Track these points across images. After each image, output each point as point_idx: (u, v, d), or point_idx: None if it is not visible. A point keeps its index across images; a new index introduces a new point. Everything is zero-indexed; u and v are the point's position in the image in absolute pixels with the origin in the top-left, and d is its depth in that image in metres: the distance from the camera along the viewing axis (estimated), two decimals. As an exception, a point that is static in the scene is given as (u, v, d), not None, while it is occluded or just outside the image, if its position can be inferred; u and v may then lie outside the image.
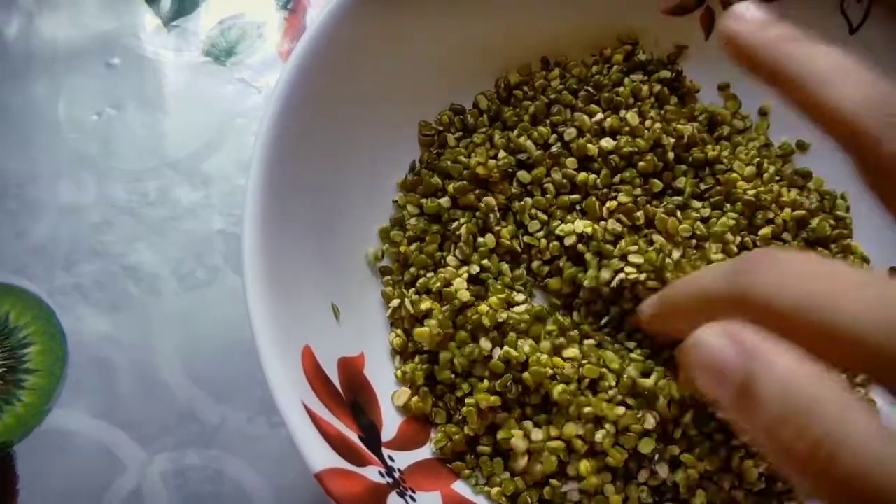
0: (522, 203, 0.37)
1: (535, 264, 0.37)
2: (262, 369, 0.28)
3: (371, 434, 0.32)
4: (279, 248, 0.31)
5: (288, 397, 0.28)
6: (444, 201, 0.37)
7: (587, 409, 0.32)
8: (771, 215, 0.36)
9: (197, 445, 0.37)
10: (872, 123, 0.21)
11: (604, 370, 0.33)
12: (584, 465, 0.32)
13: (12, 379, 0.39)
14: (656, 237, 0.36)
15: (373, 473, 0.30)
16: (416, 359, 0.35)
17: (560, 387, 0.33)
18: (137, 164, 0.43)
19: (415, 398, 0.34)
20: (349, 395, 0.32)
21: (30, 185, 0.43)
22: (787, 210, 0.37)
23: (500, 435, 0.33)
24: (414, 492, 0.31)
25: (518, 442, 0.32)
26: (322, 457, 0.28)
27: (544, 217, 0.37)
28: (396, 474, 0.31)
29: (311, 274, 0.33)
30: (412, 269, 0.36)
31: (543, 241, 0.37)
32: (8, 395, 0.39)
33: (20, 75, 0.45)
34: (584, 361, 0.34)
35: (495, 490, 0.33)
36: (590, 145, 0.37)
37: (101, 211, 0.42)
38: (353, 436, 0.31)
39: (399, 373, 0.35)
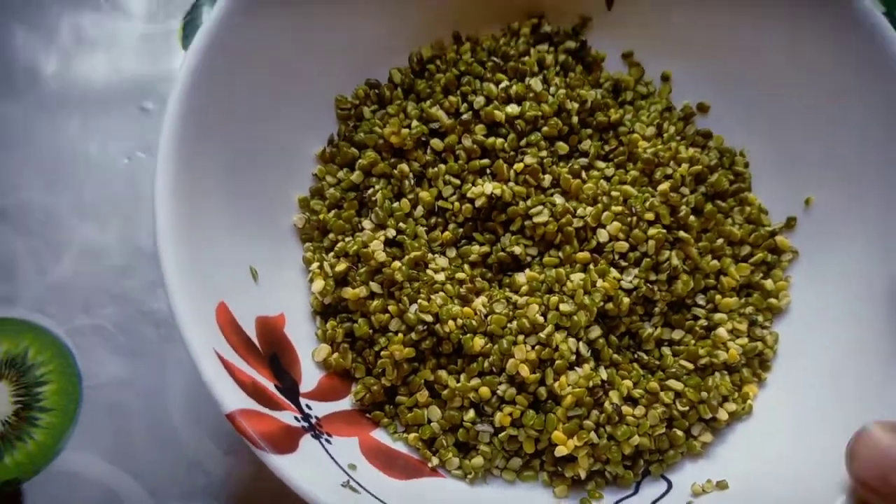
0: (436, 169, 0.39)
1: (451, 227, 0.39)
2: (176, 324, 0.30)
3: (288, 385, 0.33)
4: (193, 215, 0.33)
5: (200, 345, 0.30)
6: (358, 173, 0.39)
7: (494, 357, 0.34)
8: (669, 171, 0.39)
9: (203, 497, 0.38)
10: None
11: (510, 322, 0.35)
12: (500, 415, 0.34)
13: (26, 416, 0.39)
14: (558, 197, 0.38)
15: (287, 417, 0.31)
16: (337, 318, 0.37)
17: (470, 337, 0.35)
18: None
19: (335, 355, 0.36)
20: (267, 350, 0.34)
21: (54, 222, 0.42)
22: (685, 166, 0.39)
23: (415, 380, 0.35)
24: (330, 436, 0.33)
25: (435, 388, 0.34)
26: (234, 399, 0.29)
27: (457, 182, 0.39)
28: (313, 420, 0.33)
29: (227, 240, 0.35)
30: (331, 235, 0.38)
31: (457, 204, 0.38)
32: (21, 432, 0.39)
33: (54, 112, 0.45)
34: (493, 311, 0.35)
35: (412, 436, 0.35)
36: (497, 112, 0.39)
37: (123, 254, 0.42)
38: (269, 385, 0.32)
39: (319, 332, 0.37)
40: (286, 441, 0.30)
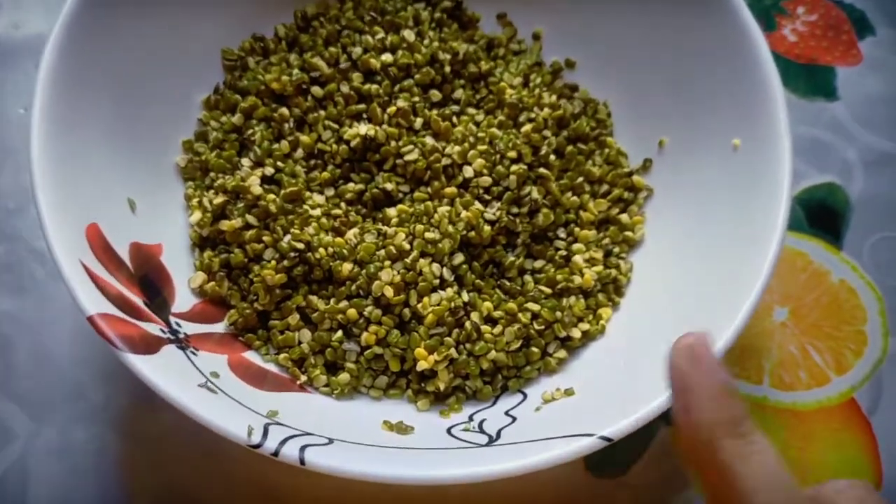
0: (316, 115, 0.41)
1: (329, 168, 0.41)
2: (43, 234, 0.31)
3: (159, 304, 0.35)
4: (70, 144, 0.35)
5: (65, 253, 0.31)
6: (239, 115, 0.41)
7: (361, 281, 0.36)
8: (533, 115, 0.41)
9: (85, 421, 0.39)
10: None
11: (378, 250, 0.37)
12: (366, 335, 0.36)
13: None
14: (429, 138, 0.40)
15: (153, 328, 0.33)
16: (215, 249, 0.38)
17: (339, 263, 0.37)
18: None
19: (211, 283, 0.38)
20: (139, 272, 0.35)
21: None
22: (547, 110, 0.42)
23: (287, 305, 0.37)
24: (197, 350, 0.34)
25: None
26: (95, 303, 0.31)
27: (336, 126, 0.41)
28: (181, 335, 0.34)
29: (107, 173, 0.37)
30: (212, 174, 0.40)
31: (335, 146, 0.41)
32: None
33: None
34: (363, 241, 0.38)
35: (282, 356, 0.36)
36: (372, 60, 0.41)
37: (15, 197, 0.43)
38: (136, 300, 0.34)
39: (197, 262, 0.38)
40: (147, 345, 0.31)
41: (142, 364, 0.30)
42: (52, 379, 0.39)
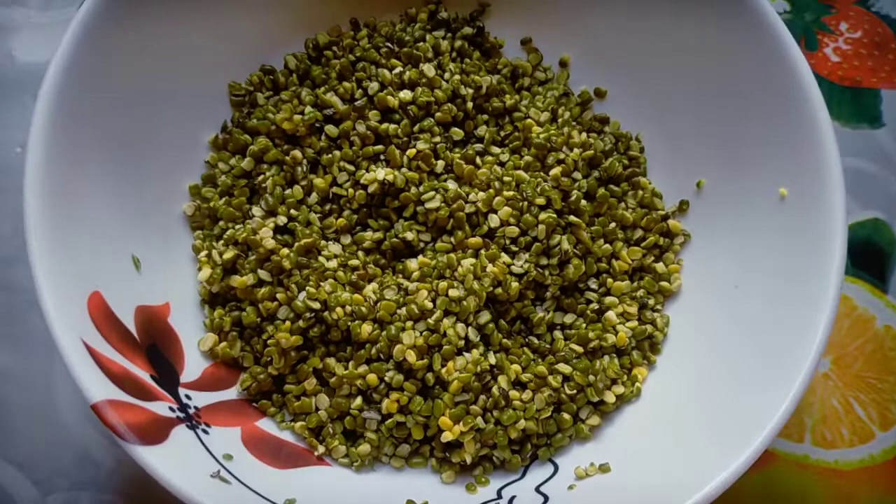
0: (331, 156, 0.39)
1: (346, 213, 0.38)
2: (42, 309, 0.29)
3: (167, 375, 0.33)
4: (68, 203, 0.32)
5: (65, 333, 0.29)
6: (249, 159, 0.38)
7: (381, 344, 0.34)
8: (562, 156, 0.39)
9: (93, 488, 0.37)
10: None
11: (399, 308, 0.35)
12: (387, 402, 0.34)
13: None
14: (451, 182, 0.38)
15: (161, 408, 0.31)
16: (226, 307, 0.36)
17: (358, 324, 0.34)
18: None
19: (222, 344, 0.35)
20: (146, 340, 0.33)
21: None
22: (577, 150, 0.39)
23: (303, 369, 0.35)
24: (209, 426, 0.32)
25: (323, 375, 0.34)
26: (100, 389, 0.29)
27: (352, 168, 0.38)
28: (191, 410, 0.32)
29: (108, 229, 0.34)
30: (221, 223, 0.38)
31: (351, 190, 0.38)
32: None
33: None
34: (382, 298, 0.35)
35: (299, 424, 0.34)
36: (390, 97, 0.39)
37: (13, 245, 0.41)
38: (143, 375, 0.32)
39: (207, 321, 0.36)
40: (155, 432, 0.29)
41: (151, 456, 0.28)
42: (55, 440, 0.37)
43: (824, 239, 0.33)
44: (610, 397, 0.36)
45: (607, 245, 0.38)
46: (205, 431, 0.31)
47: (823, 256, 0.33)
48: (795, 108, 0.36)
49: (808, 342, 0.32)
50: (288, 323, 0.35)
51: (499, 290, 0.36)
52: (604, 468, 0.33)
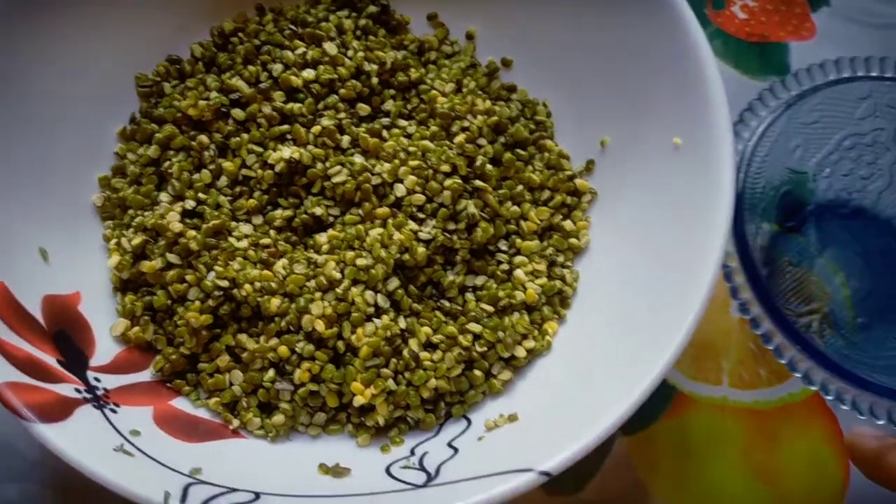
0: (239, 139, 0.39)
1: (256, 194, 0.39)
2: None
3: (75, 359, 0.33)
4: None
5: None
6: (155, 147, 0.39)
7: (291, 316, 0.35)
8: (466, 124, 0.39)
9: (19, 479, 0.37)
10: None
11: (308, 281, 0.35)
12: (299, 372, 0.34)
13: None
14: (358, 156, 0.38)
15: (66, 389, 0.31)
16: (137, 293, 0.37)
17: (267, 298, 0.35)
18: None
19: (135, 328, 0.36)
20: (53, 327, 0.33)
21: None
22: (481, 118, 0.40)
23: (216, 346, 0.35)
24: (118, 405, 0.32)
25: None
26: (2, 373, 0.29)
27: (260, 149, 0.39)
28: (99, 392, 0.33)
29: (12, 224, 0.35)
30: (130, 211, 0.38)
31: (259, 171, 0.39)
32: None
33: None
34: (292, 272, 0.36)
35: (213, 401, 0.35)
36: (293, 77, 0.39)
37: None
38: (49, 359, 0.32)
39: (119, 307, 0.37)
40: (58, 411, 0.30)
41: (51, 433, 0.29)
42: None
43: (716, 182, 0.34)
44: (521, 352, 0.36)
45: (515, 207, 0.39)
46: (113, 411, 0.32)
47: (715, 198, 0.34)
48: (685, 62, 0.36)
49: (702, 278, 0.32)
50: (198, 303, 0.35)
51: (406, 256, 0.36)
52: (512, 417, 0.34)
